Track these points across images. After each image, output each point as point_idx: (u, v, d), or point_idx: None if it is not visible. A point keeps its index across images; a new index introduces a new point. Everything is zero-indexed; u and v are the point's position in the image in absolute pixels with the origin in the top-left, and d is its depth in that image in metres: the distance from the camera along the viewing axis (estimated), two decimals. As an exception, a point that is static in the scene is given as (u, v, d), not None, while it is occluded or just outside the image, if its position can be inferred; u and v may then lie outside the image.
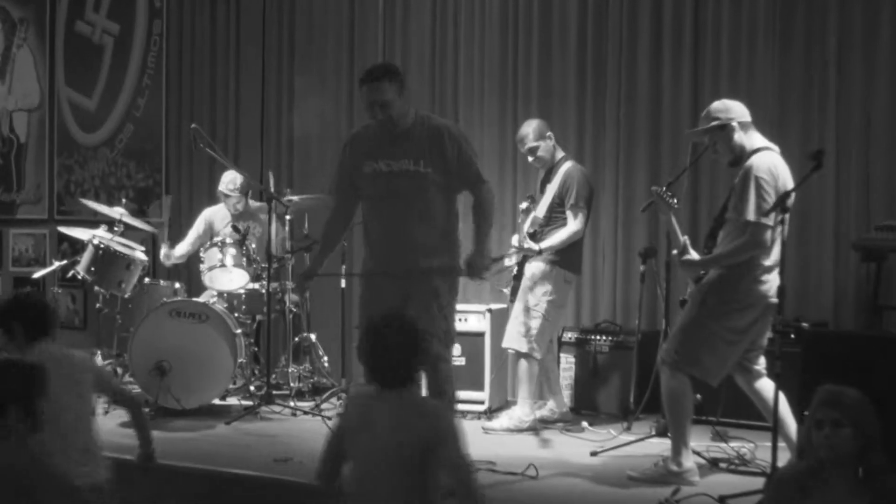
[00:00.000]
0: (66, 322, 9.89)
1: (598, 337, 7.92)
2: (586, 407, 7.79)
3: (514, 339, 7.29)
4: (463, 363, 7.82)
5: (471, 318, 7.91)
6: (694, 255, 5.86)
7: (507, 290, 7.60)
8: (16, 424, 3.74)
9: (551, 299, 7.24)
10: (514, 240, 7.36)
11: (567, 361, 7.93)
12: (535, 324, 7.21)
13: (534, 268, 7.27)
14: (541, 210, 7.28)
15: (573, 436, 7.08)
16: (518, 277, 7.40)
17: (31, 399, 3.82)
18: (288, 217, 8.30)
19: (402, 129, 5.87)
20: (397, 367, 3.90)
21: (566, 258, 7.27)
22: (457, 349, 7.80)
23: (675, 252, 6.10)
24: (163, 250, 8.66)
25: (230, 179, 8.52)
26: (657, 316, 7.61)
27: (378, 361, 3.92)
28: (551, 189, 7.28)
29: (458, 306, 8.01)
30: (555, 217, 7.27)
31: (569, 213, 7.22)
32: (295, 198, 8.30)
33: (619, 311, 8.29)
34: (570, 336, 8.00)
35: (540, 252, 7.18)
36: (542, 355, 7.29)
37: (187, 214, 10.08)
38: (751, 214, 5.51)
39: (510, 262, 7.51)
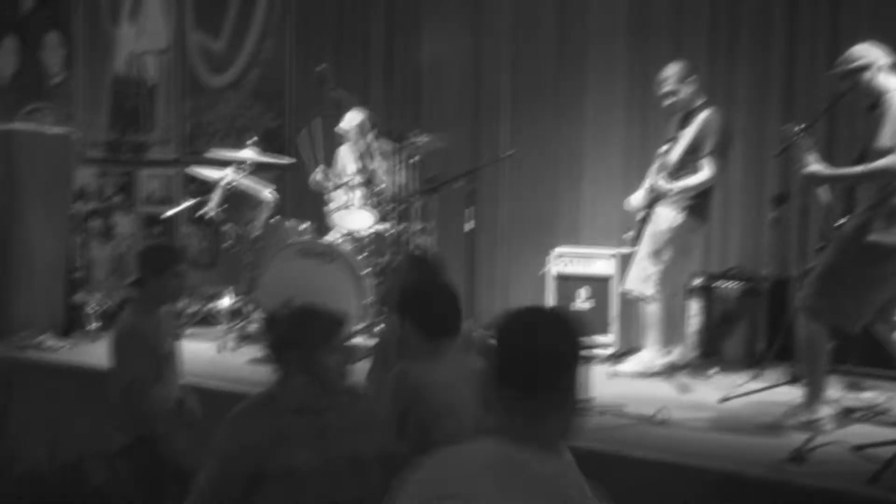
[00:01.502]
0: (195, 260, 10.03)
1: (726, 283, 7.79)
2: (715, 354, 7.69)
3: (636, 282, 7.22)
4: (589, 307, 7.78)
5: (598, 261, 7.86)
6: (820, 166, 5.66)
7: (630, 234, 7.48)
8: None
9: (678, 245, 7.13)
10: (646, 181, 7.26)
11: (695, 308, 7.82)
12: (659, 268, 7.12)
13: (662, 212, 7.15)
14: (675, 155, 7.13)
15: (702, 382, 7.00)
16: (644, 221, 7.30)
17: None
18: (415, 158, 8.29)
19: None
20: None
21: (696, 205, 7.13)
22: (583, 293, 7.78)
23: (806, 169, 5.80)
24: (318, 173, 8.69)
25: (349, 118, 8.54)
26: (788, 262, 7.46)
27: None
28: (688, 134, 7.10)
29: (584, 249, 8.03)
30: (688, 163, 7.10)
31: (703, 161, 7.05)
32: (422, 139, 8.28)
33: (748, 257, 8.14)
34: (698, 282, 7.89)
35: (671, 192, 7.07)
36: (665, 300, 7.19)
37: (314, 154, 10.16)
38: (887, 139, 5.32)
39: (636, 205, 7.38)
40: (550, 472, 2.42)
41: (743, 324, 7.64)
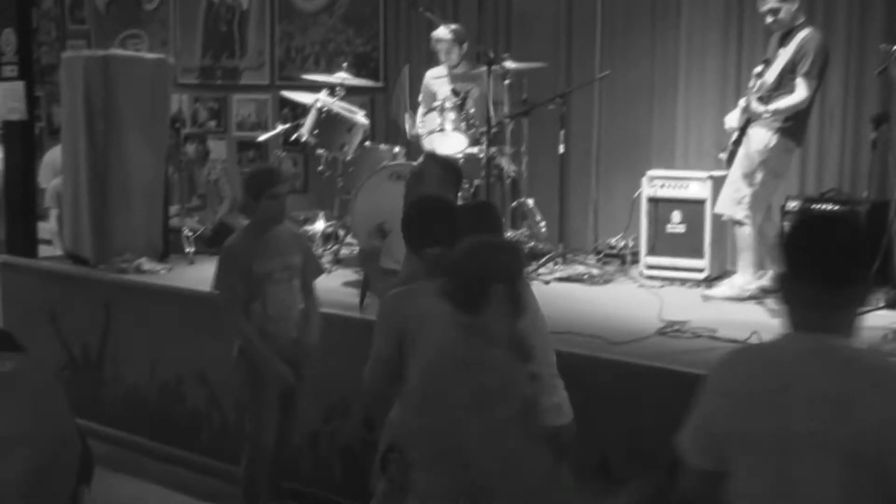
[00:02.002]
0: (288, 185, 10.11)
1: (823, 206, 7.67)
2: (810, 277, 7.59)
3: (727, 205, 7.14)
4: (682, 231, 7.73)
5: (692, 184, 7.80)
6: None
7: (723, 155, 7.39)
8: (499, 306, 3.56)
9: (771, 167, 7.03)
10: (741, 101, 7.15)
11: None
12: (751, 191, 7.03)
13: (755, 134, 7.04)
14: (771, 75, 6.99)
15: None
16: (738, 143, 7.19)
17: (515, 280, 3.67)
18: (507, 82, 8.27)
19: None
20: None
21: (790, 126, 7.00)
22: (676, 216, 7.73)
23: None
24: (407, 125, 8.71)
25: (440, 29, 8.51)
26: (888, 185, 7.33)
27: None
28: (785, 54, 6.94)
29: (678, 172, 7.96)
30: (785, 83, 6.96)
31: (799, 81, 6.90)
32: (513, 63, 8.25)
33: (846, 180, 8.02)
34: (793, 205, 7.78)
35: (766, 113, 6.95)
36: (758, 223, 7.11)
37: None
38: None
39: (731, 125, 7.28)
40: (850, 355, 2.64)
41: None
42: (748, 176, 7.02)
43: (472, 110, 8.12)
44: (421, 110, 8.50)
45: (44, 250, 8.88)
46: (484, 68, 7.95)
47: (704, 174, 7.78)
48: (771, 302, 6.84)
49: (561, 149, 8.25)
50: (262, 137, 9.52)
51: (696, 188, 7.77)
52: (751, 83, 7.11)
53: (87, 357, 7.70)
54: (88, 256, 8.03)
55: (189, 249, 8.41)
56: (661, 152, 8.75)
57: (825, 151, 8.15)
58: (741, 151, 7.09)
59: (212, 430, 7.03)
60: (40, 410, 1.24)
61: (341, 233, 8.31)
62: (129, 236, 8.10)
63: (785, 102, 6.92)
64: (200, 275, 7.86)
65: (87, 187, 8.00)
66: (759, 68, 7.11)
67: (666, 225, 7.97)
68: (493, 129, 7.96)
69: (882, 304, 6.50)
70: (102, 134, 7.96)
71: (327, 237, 8.40)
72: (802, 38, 6.91)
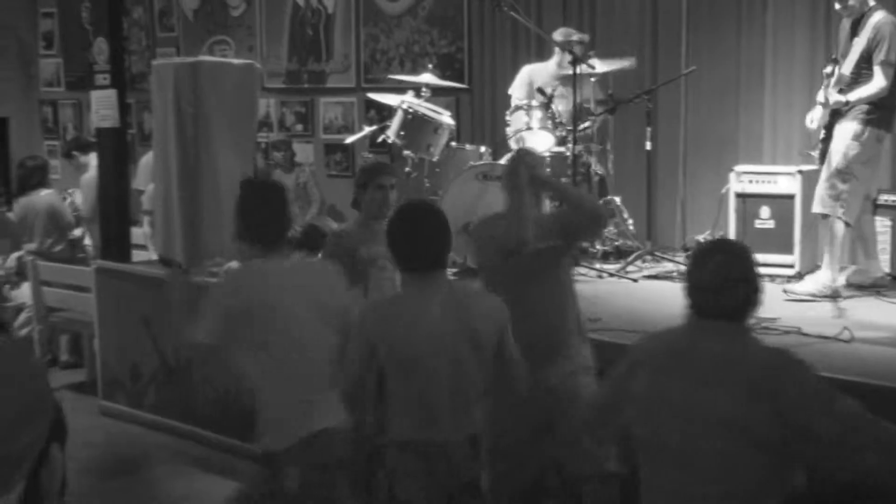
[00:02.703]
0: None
1: (916, 199, 7.56)
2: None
3: (823, 202, 7.00)
4: (772, 226, 7.67)
5: (781, 179, 7.72)
6: None
7: (815, 153, 7.29)
8: None
9: (863, 160, 6.88)
10: (819, 96, 7.04)
11: (883, 225, 7.61)
12: (846, 186, 6.88)
13: (843, 128, 6.90)
14: (847, 66, 6.86)
15: (890, 301, 6.83)
16: (826, 140, 7.07)
17: None
18: (593, 80, 8.26)
19: None
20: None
21: (878, 115, 6.84)
22: (765, 212, 7.66)
23: None
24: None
25: (562, 30, 8.49)
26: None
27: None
28: (859, 43, 6.81)
29: (766, 167, 7.88)
30: (864, 74, 6.82)
31: (877, 69, 6.75)
32: (599, 63, 8.23)
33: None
34: (886, 198, 7.67)
35: (847, 104, 6.81)
36: (853, 219, 6.97)
37: (490, 81, 10.19)
38: None
39: (815, 124, 7.18)
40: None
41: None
42: (842, 172, 6.88)
43: (559, 108, 8.12)
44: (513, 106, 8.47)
45: (138, 255, 9.01)
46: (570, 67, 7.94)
47: (793, 169, 7.70)
48: (840, 301, 6.76)
49: (648, 146, 8.23)
50: (349, 140, 9.60)
51: (785, 183, 7.69)
52: (824, 83, 7.00)
53: (178, 360, 7.82)
54: (180, 261, 8.15)
55: (279, 252, 8.48)
56: (748, 148, 8.68)
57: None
58: (832, 147, 6.96)
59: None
60: (12, 376, 1.41)
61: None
62: (219, 240, 8.19)
63: (864, 91, 6.78)
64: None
65: (177, 192, 8.11)
66: (828, 69, 6.99)
67: (755, 220, 7.90)
68: (582, 128, 7.95)
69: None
70: (192, 139, 8.07)
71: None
72: (875, 25, 6.75)
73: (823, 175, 7.03)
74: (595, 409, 3.89)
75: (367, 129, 9.24)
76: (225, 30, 12.08)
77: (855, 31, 6.90)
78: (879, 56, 6.72)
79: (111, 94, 8.62)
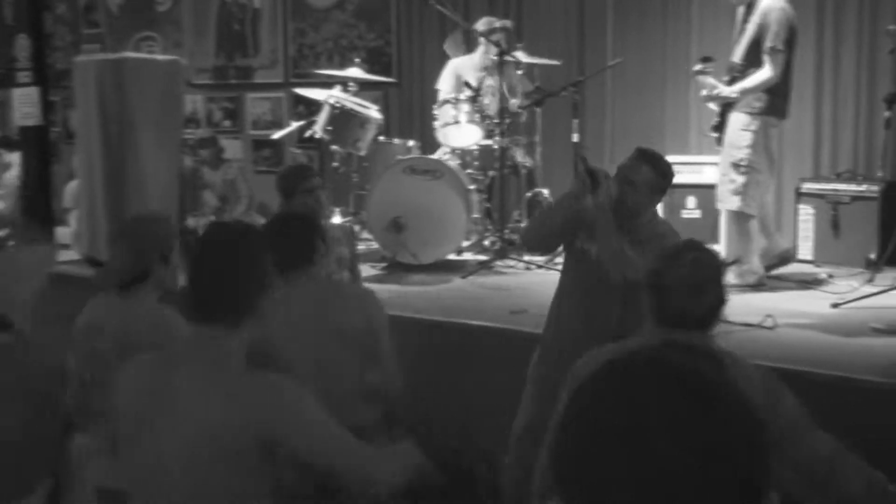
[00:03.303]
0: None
1: (838, 187, 7.66)
2: (827, 259, 7.58)
3: (724, 198, 6.95)
4: (699, 216, 7.73)
5: (706, 169, 7.79)
6: None
7: (715, 135, 7.15)
8: None
9: (757, 150, 6.82)
10: (703, 91, 6.98)
11: (806, 213, 7.71)
12: (743, 178, 6.83)
13: (734, 119, 6.86)
14: (738, 54, 6.86)
15: (812, 288, 6.91)
16: (719, 128, 7.04)
17: None
18: (519, 72, 8.27)
19: None
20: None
21: (768, 104, 6.80)
22: (691, 202, 7.72)
23: None
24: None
25: (485, 20, 8.47)
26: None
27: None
28: (749, 30, 6.78)
29: (692, 157, 7.92)
30: (754, 61, 6.76)
31: (764, 58, 6.71)
32: (524, 55, 8.26)
33: (861, 160, 8.00)
34: (808, 187, 7.77)
35: (733, 97, 6.78)
36: (757, 210, 6.95)
37: (419, 75, 10.18)
38: None
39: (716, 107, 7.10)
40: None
41: (856, 228, 7.51)
42: (737, 164, 6.84)
43: (486, 101, 8.13)
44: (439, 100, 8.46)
45: (63, 255, 8.91)
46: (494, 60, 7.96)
47: (718, 159, 7.75)
48: (785, 285, 6.84)
49: (575, 138, 8.24)
50: (277, 135, 9.55)
51: (710, 173, 7.74)
52: (697, 66, 6.99)
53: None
54: (106, 260, 8.06)
55: (206, 249, 8.41)
56: (674, 138, 8.75)
57: (840, 131, 8.14)
58: (725, 140, 6.93)
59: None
60: (29, 375, 1.36)
61: (357, 228, 8.33)
62: (146, 238, 8.12)
63: (751, 81, 6.75)
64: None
65: (102, 190, 8.03)
66: (697, 66, 6.96)
67: (681, 210, 7.96)
68: (507, 121, 7.97)
69: (897, 285, 6.50)
70: (117, 137, 7.99)
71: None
72: (763, 11, 6.73)
73: (721, 169, 7.01)
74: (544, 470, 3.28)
75: (295, 125, 9.19)
76: (151, 25, 11.96)
77: (747, 17, 6.86)
78: (767, 43, 6.68)
79: (33, 91, 8.54)
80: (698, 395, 1.37)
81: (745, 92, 6.76)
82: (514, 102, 8.33)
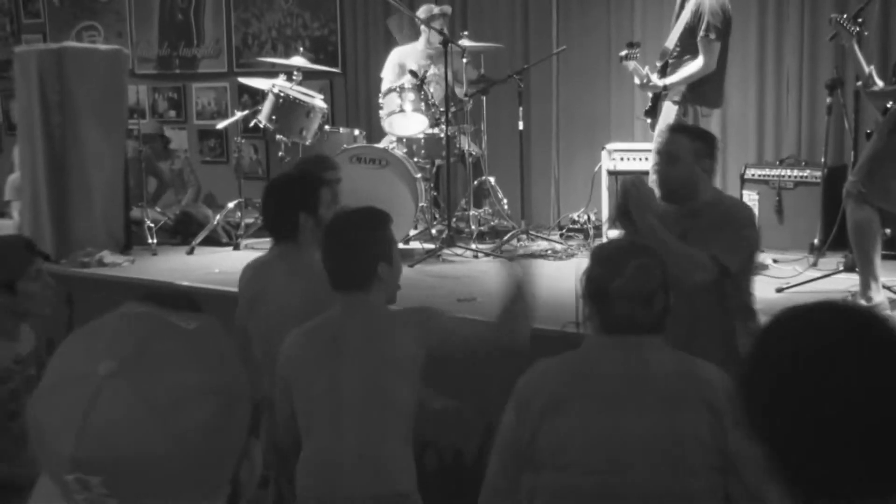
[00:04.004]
0: (249, 172, 10.07)
1: (782, 172, 7.72)
2: (771, 244, 7.62)
3: (655, 185, 6.95)
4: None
5: (651, 156, 7.81)
6: (880, 84, 5.63)
7: (649, 120, 7.17)
8: None
9: None
10: (635, 79, 6.96)
11: (750, 199, 7.77)
12: None
13: (665, 108, 6.84)
14: (671, 41, 6.86)
15: (757, 273, 6.93)
16: (651, 113, 7.05)
17: None
18: (465, 60, 8.27)
19: None
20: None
21: (698, 93, 6.77)
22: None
23: (859, 83, 5.87)
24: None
25: (426, 7, 8.43)
26: (844, 149, 7.38)
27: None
28: (683, 17, 6.77)
29: (638, 145, 7.94)
30: (688, 49, 6.75)
31: (699, 46, 6.68)
32: (469, 41, 8.25)
33: (804, 146, 8.07)
34: (753, 173, 7.83)
35: (665, 88, 6.78)
36: None
37: (364, 64, 10.15)
38: None
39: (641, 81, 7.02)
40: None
41: (799, 213, 7.59)
42: None
43: (431, 90, 8.12)
44: (383, 90, 8.42)
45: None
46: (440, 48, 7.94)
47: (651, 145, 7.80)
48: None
49: (520, 126, 8.26)
50: (221, 125, 9.46)
51: (640, 163, 7.78)
52: (623, 52, 6.95)
53: (49, 350, 7.67)
54: (49, 251, 7.98)
55: (152, 241, 8.36)
56: (619, 126, 8.78)
57: (783, 118, 8.20)
58: (657, 128, 6.91)
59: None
60: (220, 366, 1.30)
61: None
62: (90, 229, 8.06)
63: (684, 72, 6.74)
64: (164, 266, 7.86)
65: (45, 181, 7.95)
66: (622, 52, 6.92)
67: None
68: (453, 109, 7.97)
69: (840, 268, 6.57)
70: (59, 127, 7.92)
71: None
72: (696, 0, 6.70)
73: (652, 157, 6.91)
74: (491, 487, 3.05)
75: (240, 114, 9.11)
76: (93, 15, 11.83)
77: (682, 7, 6.84)
78: (700, 32, 6.64)
79: (-28, 82, 8.42)
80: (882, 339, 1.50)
81: (676, 83, 6.75)
82: (459, 91, 8.34)
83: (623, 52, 6.94)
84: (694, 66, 6.70)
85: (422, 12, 8.38)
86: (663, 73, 6.87)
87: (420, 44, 8.55)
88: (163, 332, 1.29)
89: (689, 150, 4.32)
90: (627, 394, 2.86)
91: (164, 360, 1.26)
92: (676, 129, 4.48)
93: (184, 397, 1.24)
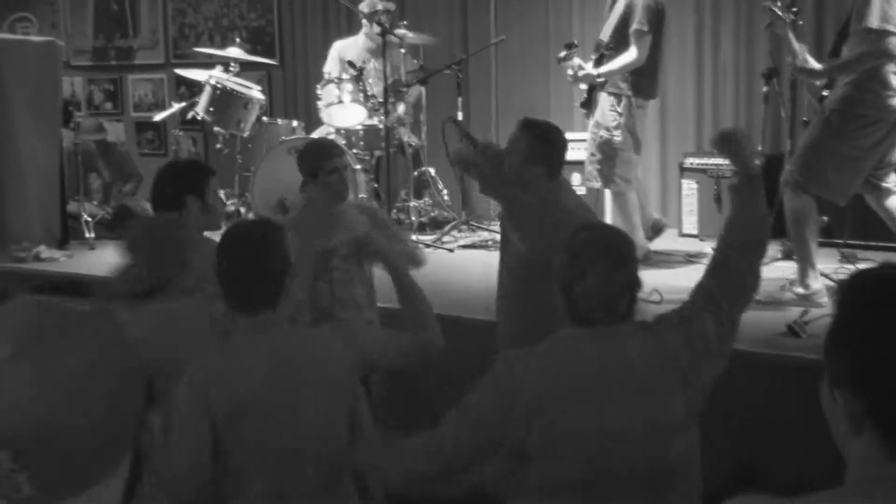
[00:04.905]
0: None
1: (720, 162, 7.76)
2: (711, 233, 7.67)
3: (591, 176, 7.00)
4: (584, 192, 7.78)
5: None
6: (813, 63, 5.68)
7: (584, 110, 7.17)
8: None
9: (623, 130, 6.84)
10: (568, 72, 6.94)
11: (689, 187, 7.82)
12: (610, 159, 6.86)
13: (602, 100, 6.88)
14: (605, 32, 6.88)
15: (697, 262, 6.99)
16: (587, 104, 7.05)
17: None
18: (403, 51, 8.24)
19: None
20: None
21: (633, 85, 6.81)
22: (576, 178, 7.75)
23: (790, 59, 5.89)
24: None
25: (369, 2, 8.36)
26: (781, 138, 7.43)
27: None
28: (617, 10, 6.81)
29: (577, 134, 7.95)
30: (622, 41, 6.77)
31: (631, 38, 6.72)
32: (408, 33, 8.22)
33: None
34: (691, 161, 7.87)
35: (598, 78, 6.79)
36: (627, 186, 6.95)
37: (302, 55, 10.10)
38: (874, 21, 5.27)
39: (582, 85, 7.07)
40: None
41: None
42: (603, 144, 6.87)
43: (369, 80, 8.08)
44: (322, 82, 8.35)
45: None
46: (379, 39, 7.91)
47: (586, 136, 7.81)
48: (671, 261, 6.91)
49: (460, 116, 8.23)
50: (159, 117, 9.38)
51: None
52: (561, 54, 6.98)
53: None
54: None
55: (89, 235, 8.27)
56: (559, 115, 8.76)
57: (720, 106, 8.26)
58: (592, 120, 6.97)
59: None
60: (114, 343, 1.39)
61: (243, 210, 8.24)
62: (25, 224, 7.96)
63: (616, 63, 6.76)
64: (102, 260, 7.75)
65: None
66: (561, 53, 6.94)
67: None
68: (391, 100, 7.94)
69: (779, 256, 6.61)
70: (-8, 119, 7.81)
71: (229, 215, 8.31)
72: None
73: (588, 148, 7.03)
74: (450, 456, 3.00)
75: (177, 106, 9.02)
76: (26, 6, 11.67)
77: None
78: (632, 26, 6.68)
79: None
80: None
81: (609, 74, 6.78)
82: (398, 83, 8.30)
83: (561, 54, 6.96)
84: (625, 59, 6.72)
85: (365, 6, 8.32)
86: (598, 65, 6.87)
87: (361, 37, 8.51)
88: (56, 315, 1.37)
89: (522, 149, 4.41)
90: (611, 383, 2.89)
91: (61, 340, 1.34)
92: (525, 124, 4.54)
93: (83, 373, 1.33)
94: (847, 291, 1.71)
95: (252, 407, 3.06)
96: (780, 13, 5.78)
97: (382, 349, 3.43)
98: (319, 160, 4.86)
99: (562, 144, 4.55)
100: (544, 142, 4.46)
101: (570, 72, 6.92)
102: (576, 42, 7.08)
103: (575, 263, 2.96)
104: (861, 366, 1.60)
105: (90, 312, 1.42)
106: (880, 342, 1.59)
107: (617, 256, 2.97)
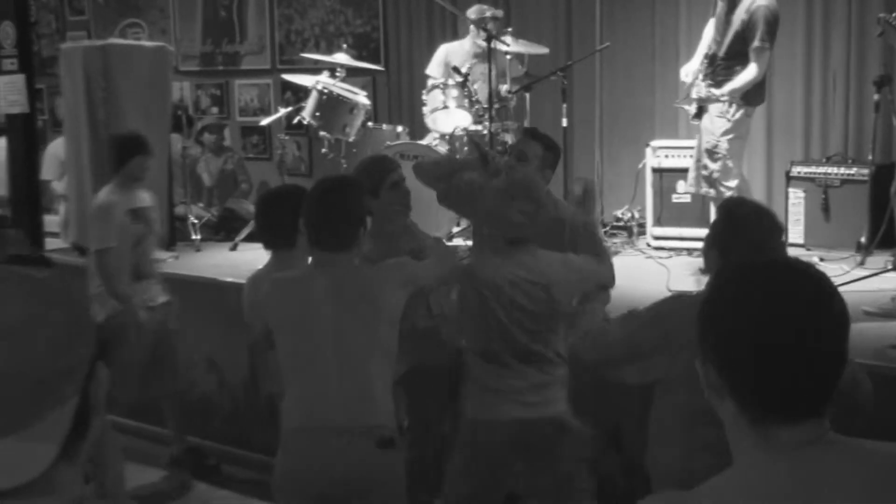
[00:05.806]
0: (292, 169, 10.09)
1: (828, 170, 7.65)
2: (817, 242, 7.57)
3: (697, 182, 7.04)
4: (688, 200, 7.73)
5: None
6: None
7: (689, 109, 7.14)
8: None
9: (732, 137, 6.86)
10: (693, 92, 6.96)
11: (796, 196, 7.71)
12: (716, 165, 6.88)
13: (713, 107, 6.89)
14: (721, 48, 6.84)
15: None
16: (699, 117, 7.03)
17: None
18: (508, 57, 8.24)
19: None
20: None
21: (745, 94, 6.82)
22: (681, 186, 7.70)
23: None
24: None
25: (477, 8, 8.38)
26: (892, 147, 7.30)
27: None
28: (734, 26, 6.75)
29: (681, 142, 7.90)
30: (738, 56, 6.77)
31: (751, 55, 6.70)
32: (512, 41, 8.21)
33: (851, 143, 7.98)
34: (798, 170, 7.76)
35: (722, 98, 6.76)
36: (732, 192, 6.83)
37: (407, 61, 10.15)
38: None
39: (689, 78, 7.09)
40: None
41: (846, 212, 7.51)
42: (711, 151, 6.88)
43: (475, 86, 8.09)
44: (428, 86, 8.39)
45: (52, 242, 8.86)
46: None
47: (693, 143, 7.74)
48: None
49: (564, 122, 8.21)
50: (265, 122, 9.50)
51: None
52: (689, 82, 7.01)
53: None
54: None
55: (196, 237, 8.40)
56: (664, 122, 8.73)
57: (830, 115, 8.12)
58: (701, 126, 6.98)
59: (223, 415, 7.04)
60: (65, 302, 1.54)
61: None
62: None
63: (738, 81, 6.75)
64: (207, 262, 7.89)
65: (90, 178, 7.99)
66: (687, 78, 7.02)
67: (671, 195, 7.96)
68: (496, 106, 7.94)
69: (890, 267, 6.49)
70: (104, 124, 7.96)
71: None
72: (749, 8, 6.70)
73: (695, 155, 7.06)
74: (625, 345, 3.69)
75: (283, 111, 9.11)
76: (137, 12, 11.90)
77: (730, 12, 6.82)
78: (754, 41, 6.66)
79: (19, 79, 8.47)
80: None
81: (733, 92, 6.77)
82: (503, 87, 8.31)
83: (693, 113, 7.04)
84: (747, 75, 6.72)
85: (473, 12, 8.33)
86: (710, 77, 6.87)
87: (467, 42, 8.53)
88: (11, 278, 1.54)
89: (539, 156, 4.99)
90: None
91: (11, 296, 1.50)
92: (534, 134, 5.19)
93: (28, 324, 1.47)
94: (716, 276, 1.94)
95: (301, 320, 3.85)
96: (893, 24, 5.68)
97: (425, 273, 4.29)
98: (381, 175, 4.91)
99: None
100: (552, 148, 5.13)
101: (693, 94, 6.94)
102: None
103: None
104: (718, 344, 1.80)
105: (47, 277, 1.58)
106: (736, 323, 1.79)
107: None
